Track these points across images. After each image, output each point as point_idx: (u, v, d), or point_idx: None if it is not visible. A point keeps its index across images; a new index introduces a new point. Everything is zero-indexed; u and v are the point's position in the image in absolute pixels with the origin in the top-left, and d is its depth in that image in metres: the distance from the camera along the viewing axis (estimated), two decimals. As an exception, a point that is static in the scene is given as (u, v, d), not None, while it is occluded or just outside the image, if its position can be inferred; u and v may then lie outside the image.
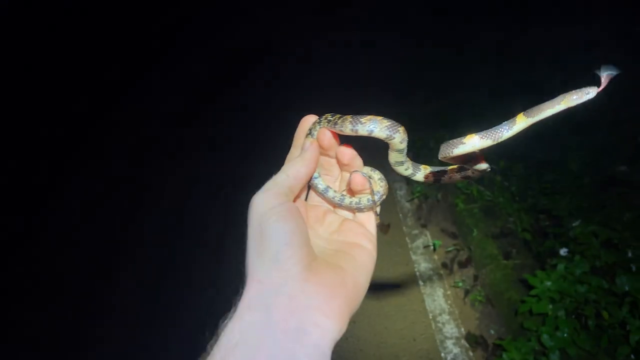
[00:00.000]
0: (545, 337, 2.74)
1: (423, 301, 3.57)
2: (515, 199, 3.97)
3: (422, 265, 3.84)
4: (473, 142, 0.84)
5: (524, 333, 2.96)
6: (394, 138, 0.82)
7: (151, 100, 7.07)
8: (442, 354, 3.19)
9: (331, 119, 0.84)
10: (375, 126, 0.81)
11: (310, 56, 8.18)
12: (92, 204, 4.99)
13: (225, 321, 0.65)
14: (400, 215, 4.36)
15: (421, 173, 0.98)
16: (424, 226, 4.18)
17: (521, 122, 0.84)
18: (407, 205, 4.44)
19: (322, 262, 0.73)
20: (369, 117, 0.81)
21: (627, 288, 2.73)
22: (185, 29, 9.70)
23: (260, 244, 0.69)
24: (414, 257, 3.93)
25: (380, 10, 9.27)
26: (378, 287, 3.65)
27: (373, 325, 3.42)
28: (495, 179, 4.08)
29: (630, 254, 2.94)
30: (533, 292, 2.88)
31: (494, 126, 0.85)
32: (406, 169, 0.95)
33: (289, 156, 0.89)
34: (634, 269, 2.87)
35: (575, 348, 2.68)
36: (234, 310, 0.65)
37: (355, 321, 3.50)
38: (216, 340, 0.63)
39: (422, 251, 3.96)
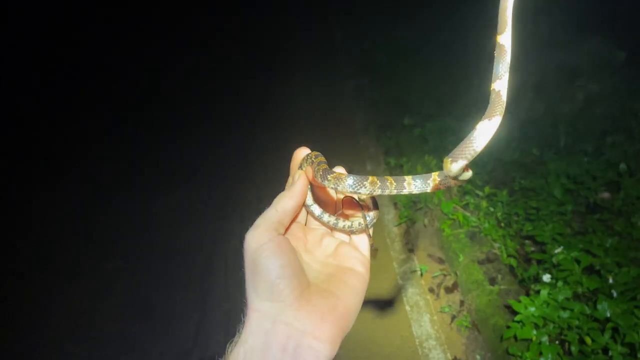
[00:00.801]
0: (529, 363, 2.77)
1: (410, 326, 3.60)
2: (501, 225, 4.03)
3: (409, 290, 3.87)
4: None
5: (509, 359, 2.99)
6: (360, 192, 0.89)
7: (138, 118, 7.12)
8: (429, 380, 3.21)
9: (314, 160, 0.92)
10: (338, 184, 0.88)
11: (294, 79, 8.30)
12: (75, 220, 4.99)
13: (231, 345, 0.75)
14: (388, 240, 4.40)
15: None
16: (411, 251, 4.22)
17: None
18: (395, 229, 4.48)
19: (314, 289, 0.81)
20: (335, 175, 0.88)
21: (608, 314, 2.78)
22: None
23: (255, 278, 0.78)
24: (401, 282, 3.96)
25: (371, 33, 9.44)
26: (365, 312, 3.67)
27: (360, 351, 3.43)
28: (480, 205, 4.14)
29: (611, 280, 3.00)
30: (517, 318, 2.92)
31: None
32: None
33: (287, 184, 0.96)
34: (615, 295, 2.93)
35: (558, 374, 2.72)
36: (238, 336, 0.76)
37: (341, 346, 3.51)
38: None
39: (409, 276, 3.99)
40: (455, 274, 3.83)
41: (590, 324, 2.81)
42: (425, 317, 3.65)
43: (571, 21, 6.65)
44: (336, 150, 5.92)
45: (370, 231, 0.98)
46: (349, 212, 0.96)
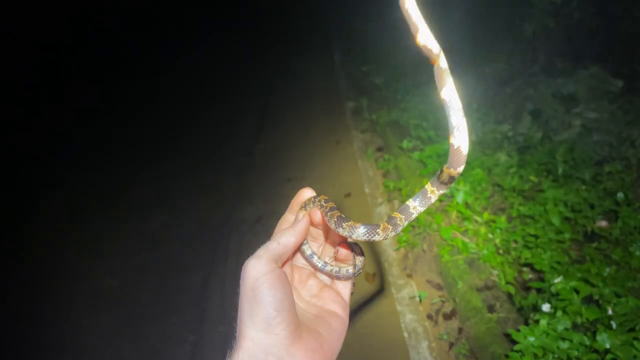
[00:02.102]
0: (528, 394, 2.76)
1: (407, 353, 3.57)
2: (499, 252, 4.03)
3: (407, 316, 3.86)
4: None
5: (507, 388, 2.98)
6: (373, 239, 0.93)
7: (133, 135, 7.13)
8: (427, 409, 3.18)
9: (324, 204, 0.96)
10: (353, 232, 0.92)
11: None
12: (69, 236, 4.97)
13: None
14: (386, 264, 4.39)
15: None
16: (409, 276, 4.21)
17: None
18: (393, 254, 4.48)
19: (304, 327, 0.85)
20: (350, 223, 0.93)
21: (607, 345, 2.78)
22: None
23: (253, 307, 0.79)
24: (399, 308, 3.94)
25: (369, 56, 9.54)
26: (362, 338, 3.65)
27: (357, 377, 3.41)
28: (479, 231, 4.15)
29: (610, 311, 3.00)
30: (517, 347, 2.91)
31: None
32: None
33: (282, 219, 1.02)
34: (614, 326, 2.93)
35: (558, 405, 2.71)
36: None
37: (339, 373, 3.49)
38: None
39: (408, 302, 3.98)
40: (454, 300, 3.82)
41: (590, 355, 2.80)
42: (423, 343, 3.63)
43: (569, 49, 6.75)
44: (334, 172, 5.94)
45: (355, 280, 1.03)
46: (341, 258, 1.00)
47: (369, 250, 4.49)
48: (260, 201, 5.60)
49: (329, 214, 0.94)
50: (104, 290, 4.34)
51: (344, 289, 1.01)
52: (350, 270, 0.99)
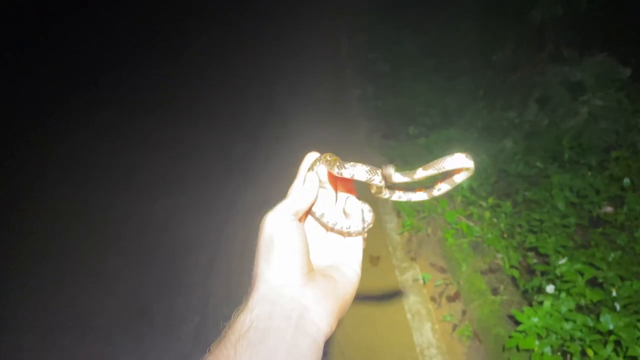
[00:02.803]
0: (531, 374, 2.77)
1: (411, 334, 3.59)
2: (504, 236, 4.04)
3: (411, 298, 3.87)
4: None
5: (510, 369, 2.99)
6: (373, 180, 0.97)
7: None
8: (429, 388, 3.20)
9: (329, 159, 0.99)
10: (356, 171, 0.96)
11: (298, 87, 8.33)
12: (76, 218, 5.01)
13: (237, 312, 0.81)
14: (390, 248, 4.40)
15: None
16: (413, 259, 4.22)
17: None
18: (397, 238, 4.49)
19: (317, 272, 0.89)
20: (352, 163, 0.97)
21: (611, 327, 2.78)
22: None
23: (269, 251, 0.84)
24: (402, 290, 3.96)
25: (376, 43, 9.50)
26: (366, 319, 3.67)
27: (360, 358, 3.42)
28: (484, 216, 4.15)
29: (614, 293, 3.00)
30: (520, 328, 2.92)
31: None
32: (384, 195, 1.07)
33: (293, 185, 1.02)
34: (618, 308, 2.93)
35: (560, 385, 2.72)
36: (244, 305, 0.81)
37: (343, 352, 3.51)
38: (229, 326, 0.79)
39: (411, 284, 3.99)
40: (458, 283, 3.83)
41: (593, 336, 2.81)
42: (426, 325, 3.65)
43: (577, 37, 6.70)
44: (341, 157, 5.93)
45: (365, 235, 1.05)
46: (350, 210, 1.02)
47: (375, 232, 4.50)
48: (266, 185, 5.60)
49: (331, 164, 0.97)
50: (108, 272, 4.36)
51: (357, 245, 1.03)
52: (360, 225, 1.01)
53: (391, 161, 5.62)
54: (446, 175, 1.03)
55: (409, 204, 4.42)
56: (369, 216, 1.03)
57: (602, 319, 2.82)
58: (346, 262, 0.99)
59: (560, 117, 5.73)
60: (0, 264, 4.51)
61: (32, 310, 3.99)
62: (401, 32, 9.13)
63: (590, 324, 2.86)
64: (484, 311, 3.46)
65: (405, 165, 5.20)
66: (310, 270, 0.86)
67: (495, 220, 4.15)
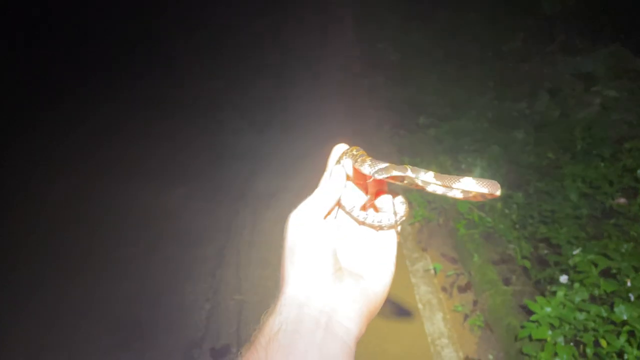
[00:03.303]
0: (544, 363, 2.77)
1: (422, 324, 3.60)
2: (515, 227, 4.02)
3: (422, 288, 3.87)
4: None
5: (522, 359, 2.99)
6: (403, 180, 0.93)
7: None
8: (441, 377, 3.21)
9: (355, 153, 0.95)
10: (378, 169, 0.91)
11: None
12: (88, 206, 5.03)
13: (265, 316, 0.78)
14: (401, 237, 4.40)
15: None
16: (424, 250, 4.22)
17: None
18: (408, 228, 4.48)
19: (345, 271, 0.85)
20: (378, 162, 0.92)
21: (625, 317, 2.77)
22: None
23: (293, 253, 0.81)
24: (413, 280, 3.96)
25: (385, 33, 9.44)
26: (377, 309, 3.67)
27: (371, 347, 3.43)
28: (496, 206, 4.14)
29: (629, 284, 2.99)
30: (533, 318, 2.92)
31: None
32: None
33: (322, 178, 0.98)
34: (632, 298, 2.92)
35: (573, 375, 2.72)
36: (273, 308, 0.79)
37: (354, 341, 3.52)
38: (258, 329, 0.77)
39: (422, 274, 3.99)
40: (469, 273, 3.82)
41: (607, 327, 2.81)
42: (437, 315, 3.65)
43: (589, 27, 6.64)
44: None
45: (399, 228, 1.00)
46: (381, 205, 0.98)
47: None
48: (275, 177, 5.61)
49: (359, 160, 0.93)
50: (119, 261, 4.39)
51: (390, 238, 0.98)
52: (393, 218, 0.97)
53: (400, 151, 5.60)
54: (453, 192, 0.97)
55: (420, 193, 4.41)
56: (402, 208, 0.98)
57: (616, 309, 2.81)
58: (379, 258, 0.94)
59: (571, 107, 5.69)
60: (16, 250, 4.56)
61: (45, 294, 4.02)
62: (410, 22, 9.07)
63: (604, 314, 2.85)
64: (496, 301, 3.46)
65: (415, 156, 5.19)
66: (337, 270, 0.83)
67: (507, 210, 4.13)
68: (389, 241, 0.98)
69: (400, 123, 6.30)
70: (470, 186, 0.91)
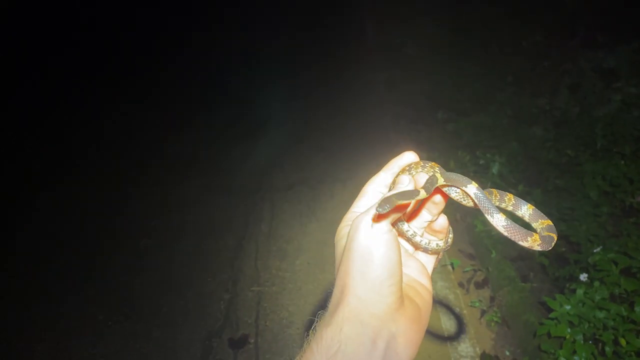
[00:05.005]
0: (562, 361, 2.77)
1: (439, 319, 3.61)
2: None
3: (439, 283, 3.88)
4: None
5: (539, 355, 3.00)
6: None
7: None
8: (457, 372, 3.23)
9: (437, 171, 0.91)
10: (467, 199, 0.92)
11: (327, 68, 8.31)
12: (109, 197, 5.10)
13: (320, 322, 0.77)
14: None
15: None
16: (441, 245, 4.22)
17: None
18: (425, 223, 4.48)
19: (406, 296, 0.81)
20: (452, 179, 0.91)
21: (645, 316, 2.77)
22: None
23: (367, 264, 0.75)
24: (430, 276, 3.97)
25: (403, 27, 9.40)
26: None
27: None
28: (514, 203, 4.12)
29: (649, 283, 2.97)
30: (552, 315, 2.91)
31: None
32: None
33: (375, 177, 0.93)
34: (653, 298, 2.91)
35: (591, 373, 2.72)
36: (330, 316, 0.76)
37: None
38: (315, 341, 0.74)
39: (439, 269, 4.00)
40: (487, 269, 3.83)
41: (626, 326, 2.80)
42: (454, 310, 3.66)
43: (611, 23, 6.55)
44: (367, 143, 5.91)
45: (441, 255, 0.99)
46: (439, 229, 0.94)
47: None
48: (292, 169, 5.64)
49: (445, 181, 0.90)
50: (141, 251, 4.45)
51: (428, 261, 0.96)
52: (442, 243, 0.95)
53: (418, 146, 5.59)
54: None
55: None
56: (450, 237, 0.98)
57: (636, 308, 2.80)
58: (421, 280, 0.90)
59: (592, 104, 5.63)
60: (45, 234, 4.66)
61: (68, 282, 4.10)
62: (429, 16, 9.01)
63: (624, 313, 2.84)
64: (514, 298, 3.46)
65: (433, 150, 5.18)
66: (402, 295, 0.78)
67: (525, 207, 4.12)
68: (428, 262, 0.96)
69: (417, 118, 6.28)
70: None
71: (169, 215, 4.89)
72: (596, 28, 6.72)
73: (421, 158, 0.96)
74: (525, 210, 0.98)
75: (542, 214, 0.97)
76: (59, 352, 3.51)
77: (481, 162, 4.77)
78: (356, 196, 0.93)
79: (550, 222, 0.94)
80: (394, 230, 0.79)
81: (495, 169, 4.41)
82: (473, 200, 0.91)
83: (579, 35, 6.96)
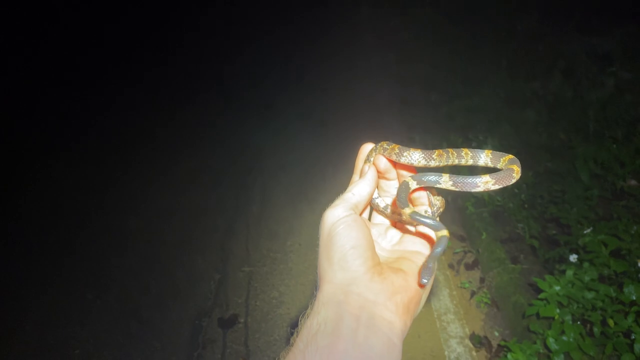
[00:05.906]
0: (550, 341, 2.78)
1: (429, 299, 3.62)
2: (525, 206, 4.01)
3: (429, 264, 3.88)
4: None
5: (528, 336, 3.01)
6: (429, 165, 0.92)
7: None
8: (446, 352, 3.23)
9: (387, 147, 0.92)
10: (414, 157, 0.91)
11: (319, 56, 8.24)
12: (98, 178, 5.06)
13: (304, 318, 0.76)
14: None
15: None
16: (432, 227, 4.22)
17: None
18: (416, 205, 4.48)
19: (386, 267, 0.81)
20: (411, 149, 0.91)
21: (634, 297, 2.78)
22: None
23: (329, 249, 0.79)
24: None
25: (398, 10, 9.32)
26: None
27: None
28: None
29: (639, 265, 2.98)
30: (542, 296, 2.92)
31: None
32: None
33: (352, 180, 0.96)
34: (641, 279, 2.92)
35: (579, 353, 2.73)
36: (311, 309, 0.76)
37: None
38: (297, 334, 0.74)
39: (430, 251, 4.00)
40: (477, 251, 3.83)
41: (615, 307, 2.81)
42: (444, 291, 3.67)
43: (606, 7, 6.52)
44: (359, 124, 5.88)
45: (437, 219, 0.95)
46: (416, 198, 0.95)
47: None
48: (284, 152, 5.61)
49: (389, 151, 0.91)
50: (131, 230, 4.42)
51: (429, 230, 0.94)
52: (429, 210, 0.95)
53: (411, 128, 5.57)
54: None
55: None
56: (438, 200, 0.97)
57: (625, 289, 2.81)
58: (418, 250, 0.90)
59: (585, 88, 5.62)
60: (33, 214, 4.61)
61: (56, 261, 4.07)
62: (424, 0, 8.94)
63: (613, 294, 2.85)
64: (503, 279, 3.47)
65: (426, 132, 5.16)
66: (376, 264, 0.79)
67: (516, 190, 4.12)
68: (427, 234, 0.95)
69: (410, 100, 6.25)
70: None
71: (159, 196, 4.85)
72: (590, 12, 6.68)
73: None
74: (485, 157, 1.00)
75: (502, 153, 0.99)
76: (47, 331, 3.49)
77: (473, 144, 4.75)
78: (348, 179, 0.97)
79: (511, 156, 0.97)
80: (354, 214, 0.83)
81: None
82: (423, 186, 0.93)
83: (573, 19, 6.92)
